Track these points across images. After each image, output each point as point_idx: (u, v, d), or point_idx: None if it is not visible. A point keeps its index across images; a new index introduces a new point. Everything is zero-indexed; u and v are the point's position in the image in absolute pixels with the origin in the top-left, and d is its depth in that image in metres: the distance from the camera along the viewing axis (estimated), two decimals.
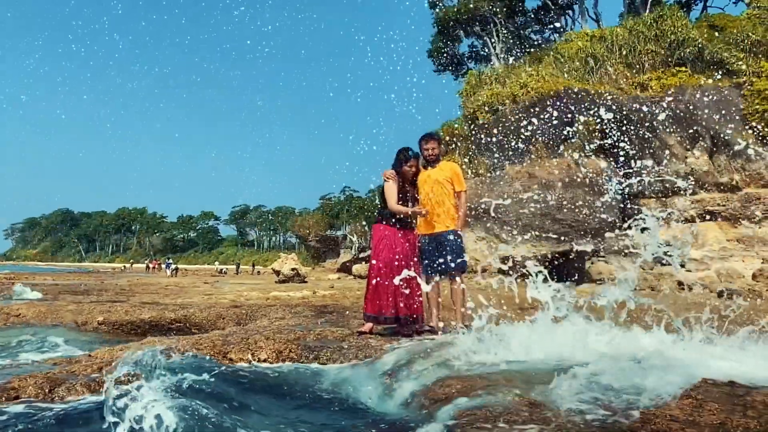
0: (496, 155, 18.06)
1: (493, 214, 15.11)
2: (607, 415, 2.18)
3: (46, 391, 3.11)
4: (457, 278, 5.11)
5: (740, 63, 17.79)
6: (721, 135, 17.57)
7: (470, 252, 15.58)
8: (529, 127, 17.73)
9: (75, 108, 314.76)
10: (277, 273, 20.56)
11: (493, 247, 16.28)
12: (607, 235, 16.46)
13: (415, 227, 5.34)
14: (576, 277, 15.30)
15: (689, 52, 18.58)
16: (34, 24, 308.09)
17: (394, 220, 5.15)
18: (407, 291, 4.95)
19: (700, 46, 18.45)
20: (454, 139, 20.47)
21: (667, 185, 18.57)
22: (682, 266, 15.60)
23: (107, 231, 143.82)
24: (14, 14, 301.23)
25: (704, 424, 2.05)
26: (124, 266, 75.30)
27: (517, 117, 17.99)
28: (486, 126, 18.72)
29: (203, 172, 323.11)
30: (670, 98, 18.01)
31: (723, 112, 17.53)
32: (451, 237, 5.14)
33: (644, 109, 18.09)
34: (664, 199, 18.34)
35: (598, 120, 17.88)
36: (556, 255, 15.64)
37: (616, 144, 16.99)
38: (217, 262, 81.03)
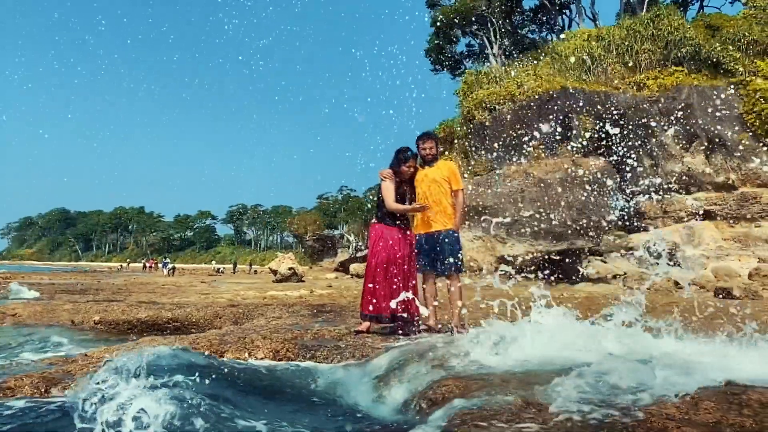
0: (493, 155, 18.07)
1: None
2: (604, 414, 2.19)
3: (42, 390, 3.10)
4: (454, 278, 5.12)
5: (737, 62, 17.84)
6: (718, 134, 17.62)
7: (467, 251, 15.60)
8: (526, 127, 17.76)
9: (72, 107, 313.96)
10: (274, 272, 20.55)
11: (490, 247, 16.29)
12: (605, 235, 16.50)
13: (412, 227, 5.35)
14: (573, 277, 15.33)
15: (686, 51, 18.61)
16: (33, 21, 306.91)
17: (391, 220, 5.15)
18: (408, 294, 4.97)
19: (696, 45, 18.49)
20: (452, 138, 20.49)
21: (664, 184, 18.61)
22: (678, 265, 15.65)
23: (104, 230, 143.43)
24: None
25: (700, 422, 2.05)
26: (121, 265, 75.16)
27: (514, 116, 18.01)
28: (483, 125, 18.74)
29: (200, 172, 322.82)
30: (667, 98, 18.05)
31: (719, 111, 17.58)
32: (449, 236, 5.14)
33: (641, 108, 18.13)
34: (660, 198, 18.38)
35: (595, 119, 17.91)
36: (553, 254, 15.66)
37: (613, 143, 17.03)
38: (214, 262, 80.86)
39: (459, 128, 20.31)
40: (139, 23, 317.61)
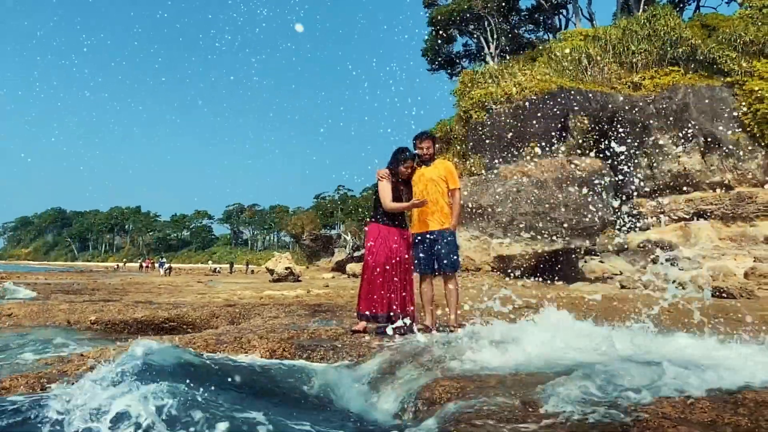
0: (490, 154, 18.08)
1: (489, 210, 15.10)
2: (600, 413, 2.19)
3: (38, 390, 3.09)
4: (451, 277, 5.12)
5: (733, 63, 17.89)
6: (714, 134, 17.66)
7: (464, 250, 15.59)
8: (523, 127, 17.77)
9: (69, 107, 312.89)
10: (271, 272, 20.52)
11: (486, 246, 16.29)
12: (601, 234, 16.52)
13: (409, 226, 5.34)
14: (569, 276, 15.35)
15: (682, 51, 18.67)
16: (34, 21, 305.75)
17: (389, 219, 5.14)
18: (403, 293, 4.97)
19: (692, 45, 18.55)
20: (449, 138, 20.49)
21: (660, 184, 18.65)
22: (674, 265, 15.68)
23: (100, 230, 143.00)
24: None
25: (695, 421, 2.06)
26: (117, 265, 74.87)
27: (511, 116, 18.02)
28: (480, 125, 18.74)
29: (197, 171, 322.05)
30: (663, 97, 18.10)
31: (715, 111, 17.61)
32: (445, 236, 5.14)
33: (637, 108, 18.17)
34: (657, 197, 18.43)
35: (592, 119, 17.94)
36: (550, 254, 15.68)
37: (610, 143, 17.06)
38: (210, 261, 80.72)
39: (456, 128, 20.31)
40: (139, 24, 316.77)
